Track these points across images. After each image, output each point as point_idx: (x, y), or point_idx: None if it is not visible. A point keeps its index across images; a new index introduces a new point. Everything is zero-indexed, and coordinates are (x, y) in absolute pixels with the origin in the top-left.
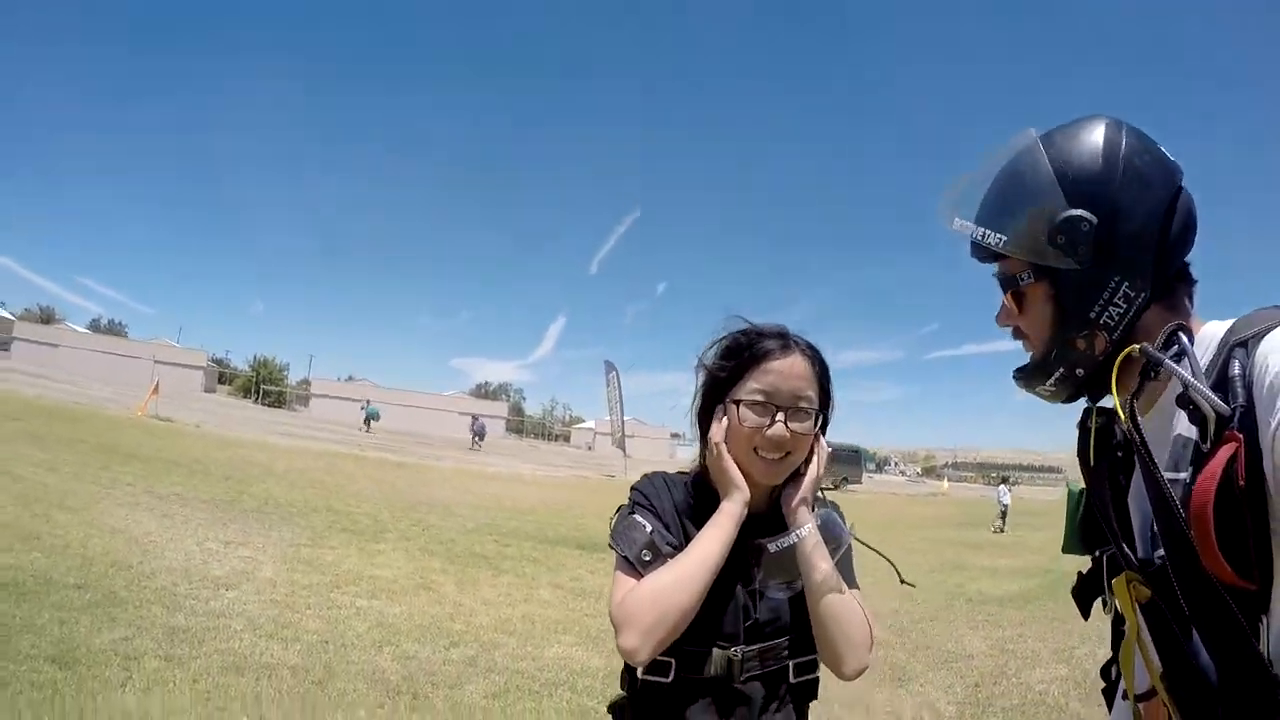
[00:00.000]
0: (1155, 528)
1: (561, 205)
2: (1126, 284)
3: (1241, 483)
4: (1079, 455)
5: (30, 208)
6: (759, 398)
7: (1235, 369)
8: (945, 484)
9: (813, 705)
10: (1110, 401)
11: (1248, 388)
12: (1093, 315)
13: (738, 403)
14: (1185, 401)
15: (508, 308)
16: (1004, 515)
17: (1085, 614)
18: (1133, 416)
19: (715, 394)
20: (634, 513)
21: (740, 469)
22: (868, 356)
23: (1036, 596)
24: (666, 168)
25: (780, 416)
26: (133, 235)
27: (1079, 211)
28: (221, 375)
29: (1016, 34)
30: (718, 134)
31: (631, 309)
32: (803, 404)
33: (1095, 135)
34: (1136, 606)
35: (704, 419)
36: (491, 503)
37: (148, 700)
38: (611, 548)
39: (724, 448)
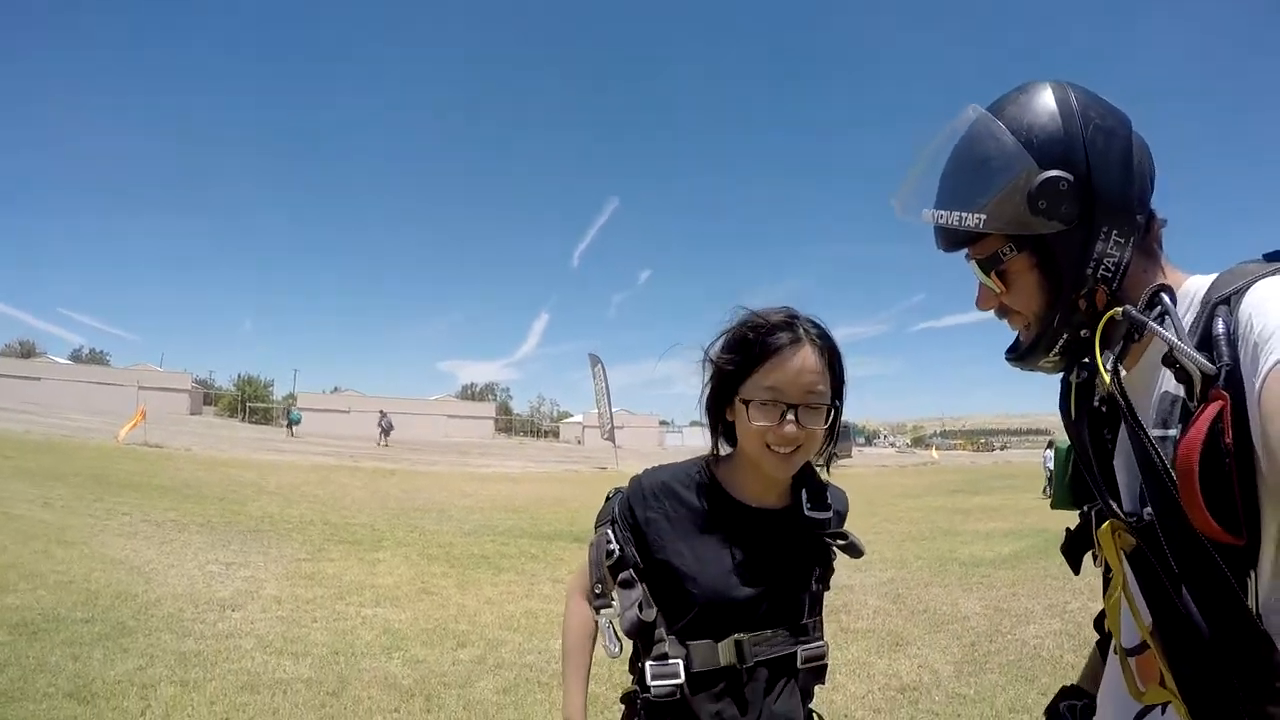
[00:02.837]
0: (1142, 486)
1: (540, 200)
2: (1116, 231)
3: (1228, 440)
4: (1060, 409)
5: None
6: (768, 396)
7: (1219, 327)
8: (935, 452)
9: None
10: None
11: (1232, 345)
12: (1089, 270)
13: (747, 403)
14: (1171, 361)
15: (491, 308)
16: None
17: (1075, 569)
18: (1116, 379)
19: (724, 387)
20: (611, 525)
21: (753, 461)
22: (855, 332)
23: (1028, 557)
24: (643, 154)
25: (790, 415)
26: (109, 262)
27: (1055, 172)
28: (207, 396)
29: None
30: (694, 117)
31: (616, 299)
32: (812, 399)
33: (1044, 96)
34: (1123, 556)
35: (713, 411)
36: (486, 504)
37: None
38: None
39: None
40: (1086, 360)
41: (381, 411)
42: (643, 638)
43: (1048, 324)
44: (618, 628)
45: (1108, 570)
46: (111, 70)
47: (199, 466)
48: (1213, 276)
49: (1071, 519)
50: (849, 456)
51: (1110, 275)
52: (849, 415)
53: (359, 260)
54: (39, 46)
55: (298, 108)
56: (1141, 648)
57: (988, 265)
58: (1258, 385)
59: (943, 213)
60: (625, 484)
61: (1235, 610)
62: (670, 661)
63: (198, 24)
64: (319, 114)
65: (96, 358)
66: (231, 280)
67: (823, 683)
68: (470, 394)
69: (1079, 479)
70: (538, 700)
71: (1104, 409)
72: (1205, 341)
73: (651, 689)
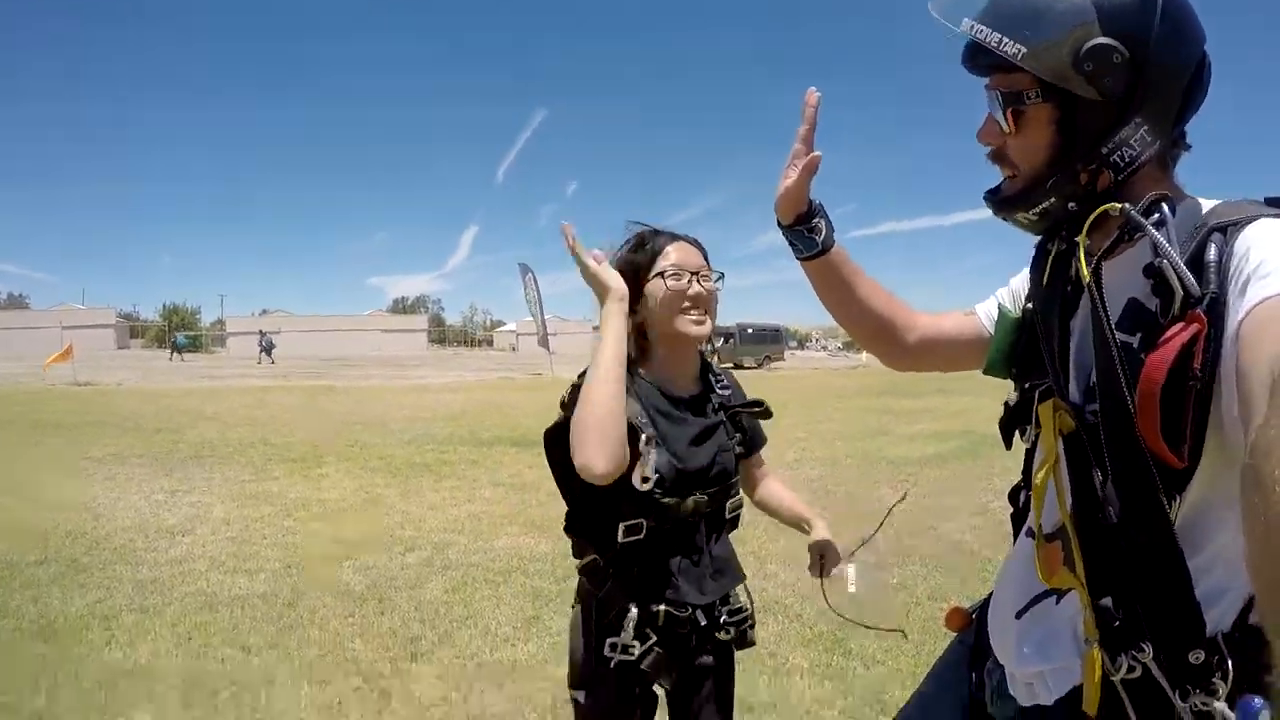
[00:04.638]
0: (1093, 383)
1: (466, 112)
2: (1146, 128)
3: (1197, 365)
4: (1031, 274)
5: None
6: (675, 269)
7: (1211, 253)
8: (865, 355)
9: (745, 565)
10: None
11: (1221, 274)
12: (1105, 150)
13: (662, 274)
14: (1152, 272)
15: (419, 222)
16: None
17: (1008, 444)
18: (1096, 275)
19: (634, 282)
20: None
21: (672, 334)
22: (782, 239)
23: (955, 457)
24: (569, 66)
25: (695, 279)
26: (19, 205)
27: (1112, 41)
28: (133, 329)
29: None
30: (619, 26)
31: (544, 210)
32: (706, 270)
33: None
34: (1059, 436)
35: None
36: (424, 414)
37: (134, 652)
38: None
39: (594, 256)
40: (1068, 235)
41: (261, 331)
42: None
43: (1040, 182)
44: (656, 460)
45: (1029, 451)
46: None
47: (133, 400)
48: (1213, 202)
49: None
50: (781, 359)
51: (1122, 165)
52: (782, 319)
53: (279, 181)
54: None
55: (201, 33)
56: (1055, 535)
57: (1008, 101)
58: (1241, 315)
59: (984, 29)
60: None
61: (1157, 520)
62: (636, 520)
63: None
64: (224, 34)
65: (16, 302)
66: (148, 210)
67: (736, 528)
68: (401, 308)
69: (1024, 350)
70: (485, 596)
71: (1070, 289)
72: (1195, 264)
73: (620, 545)
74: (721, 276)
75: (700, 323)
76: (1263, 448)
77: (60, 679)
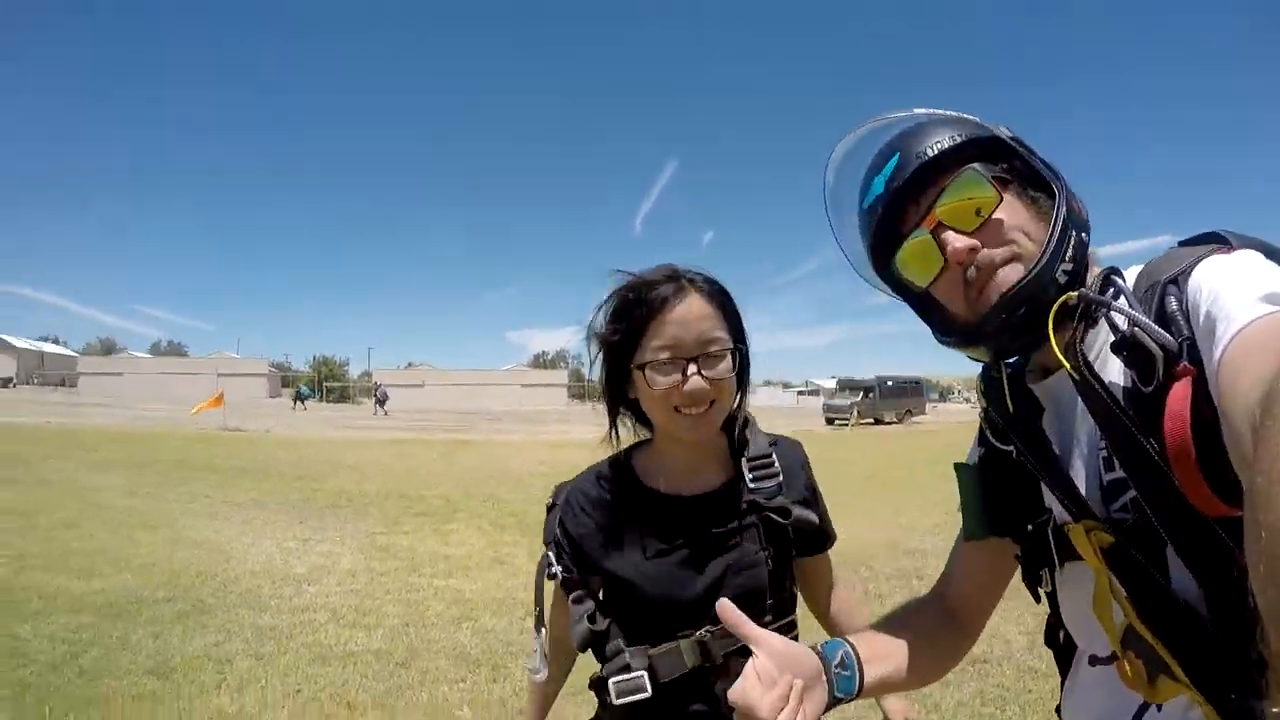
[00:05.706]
0: (1106, 480)
1: (601, 168)
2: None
3: (1206, 411)
4: (995, 410)
5: (73, 242)
6: (664, 355)
7: (1173, 304)
8: None
9: None
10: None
11: (1187, 319)
12: (1079, 216)
13: (643, 367)
14: (1122, 346)
15: (558, 276)
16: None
17: (1037, 598)
18: (1087, 365)
19: (618, 361)
20: (553, 544)
21: (666, 432)
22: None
23: None
24: (700, 112)
25: (692, 369)
26: (182, 256)
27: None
28: (284, 379)
29: None
30: (749, 71)
31: (680, 261)
32: (713, 348)
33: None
34: (1100, 555)
35: (612, 391)
36: (560, 471)
37: (241, 699)
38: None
39: None
40: (1009, 356)
41: (377, 383)
42: (596, 649)
43: (1055, 253)
44: (545, 648)
45: (1051, 594)
46: (165, 69)
47: (278, 447)
48: (1136, 268)
49: None
50: (922, 413)
51: (1088, 234)
52: (923, 371)
53: (423, 236)
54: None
55: (354, 92)
56: (1110, 659)
57: (991, 170)
58: (1217, 356)
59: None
60: (565, 487)
61: (1242, 585)
62: (634, 675)
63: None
64: (373, 96)
65: (175, 349)
66: (300, 263)
67: None
68: (542, 362)
69: (995, 498)
70: None
71: (1031, 414)
72: (1161, 320)
73: (616, 705)
74: (737, 350)
75: (700, 424)
76: (1255, 496)
77: (165, 717)
